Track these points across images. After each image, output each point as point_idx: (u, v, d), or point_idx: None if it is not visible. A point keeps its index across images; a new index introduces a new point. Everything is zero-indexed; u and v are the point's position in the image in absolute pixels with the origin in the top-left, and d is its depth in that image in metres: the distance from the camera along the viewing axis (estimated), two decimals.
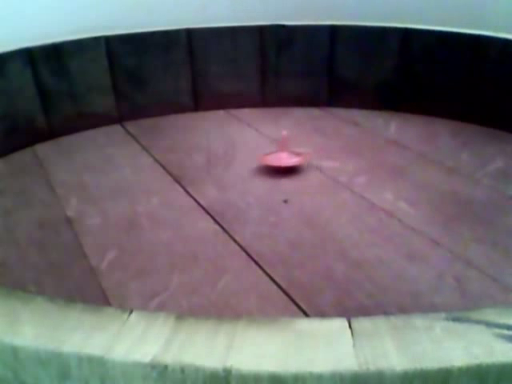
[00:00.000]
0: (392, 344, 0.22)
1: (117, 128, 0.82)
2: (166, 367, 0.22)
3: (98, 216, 0.56)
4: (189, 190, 0.61)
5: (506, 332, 0.23)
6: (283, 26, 0.86)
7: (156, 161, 0.70)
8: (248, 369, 0.21)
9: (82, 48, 0.78)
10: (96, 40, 0.79)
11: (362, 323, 0.24)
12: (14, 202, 0.60)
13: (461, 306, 0.41)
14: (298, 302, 0.42)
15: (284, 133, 0.64)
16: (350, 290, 0.44)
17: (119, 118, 0.84)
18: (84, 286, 0.45)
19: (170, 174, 0.66)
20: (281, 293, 0.44)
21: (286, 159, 0.65)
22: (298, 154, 0.65)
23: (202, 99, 0.88)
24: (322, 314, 0.41)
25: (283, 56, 0.87)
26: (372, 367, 0.21)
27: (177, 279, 0.45)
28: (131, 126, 0.83)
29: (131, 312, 0.25)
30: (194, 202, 0.58)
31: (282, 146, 0.65)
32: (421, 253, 0.49)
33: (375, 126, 0.81)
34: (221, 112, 0.88)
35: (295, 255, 0.49)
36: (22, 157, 0.72)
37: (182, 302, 0.43)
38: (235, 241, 0.51)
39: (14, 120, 0.73)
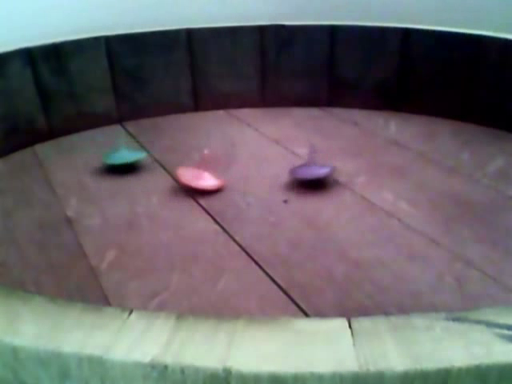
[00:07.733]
0: (392, 344, 0.22)
1: (117, 128, 0.82)
2: (165, 367, 0.22)
3: (98, 216, 0.56)
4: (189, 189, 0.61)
5: (506, 332, 0.23)
6: (283, 26, 0.86)
7: (156, 161, 0.70)
8: (248, 369, 0.21)
9: (81, 48, 0.78)
10: (96, 40, 0.79)
11: (362, 323, 0.24)
12: (14, 202, 0.60)
13: (461, 306, 0.41)
14: (298, 301, 0.42)
15: (206, 152, 0.60)
16: (350, 290, 0.44)
17: (119, 118, 0.84)
18: (84, 286, 0.45)
19: (169, 173, 0.66)
20: (281, 293, 0.44)
21: (202, 181, 0.60)
22: (217, 177, 0.61)
23: (202, 99, 0.88)
24: (322, 314, 0.41)
25: (283, 56, 0.87)
26: (372, 367, 0.21)
27: (177, 279, 0.45)
28: (131, 125, 0.82)
29: (131, 312, 0.25)
30: (194, 202, 0.58)
31: (203, 165, 0.60)
32: (421, 253, 0.48)
33: (375, 126, 0.81)
34: (221, 112, 0.88)
35: (295, 255, 0.49)
36: (22, 157, 0.72)
37: (182, 301, 0.43)
38: (235, 241, 0.51)
39: (14, 120, 0.73)
